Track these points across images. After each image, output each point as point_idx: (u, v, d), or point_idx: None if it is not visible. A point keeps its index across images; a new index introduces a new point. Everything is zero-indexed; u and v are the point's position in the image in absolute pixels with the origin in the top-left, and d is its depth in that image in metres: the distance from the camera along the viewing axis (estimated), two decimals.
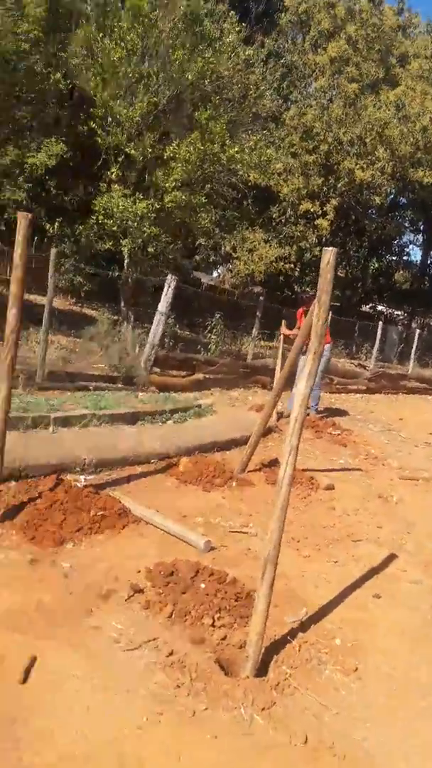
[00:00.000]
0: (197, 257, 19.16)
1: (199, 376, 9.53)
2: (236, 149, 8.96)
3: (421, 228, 22.27)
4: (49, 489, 3.94)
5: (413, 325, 24.73)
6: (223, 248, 18.13)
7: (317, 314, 2.47)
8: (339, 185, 16.32)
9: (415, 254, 49.60)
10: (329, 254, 2.43)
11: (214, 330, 10.26)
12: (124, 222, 9.34)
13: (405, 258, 25.61)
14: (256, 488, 4.85)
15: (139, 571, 3.24)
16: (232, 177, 9.94)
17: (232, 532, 3.94)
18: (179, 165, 8.68)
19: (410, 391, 14.80)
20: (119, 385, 7.55)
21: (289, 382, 5.38)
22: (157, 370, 8.74)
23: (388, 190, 16.52)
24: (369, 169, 15.64)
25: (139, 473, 4.72)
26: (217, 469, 4.94)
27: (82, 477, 4.37)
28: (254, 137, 10.26)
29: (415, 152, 16.18)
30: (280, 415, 7.55)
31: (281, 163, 14.10)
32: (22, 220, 3.40)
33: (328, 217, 16.34)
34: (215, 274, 29.55)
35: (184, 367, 9.74)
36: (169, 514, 4.04)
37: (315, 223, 16.57)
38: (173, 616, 2.87)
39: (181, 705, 2.34)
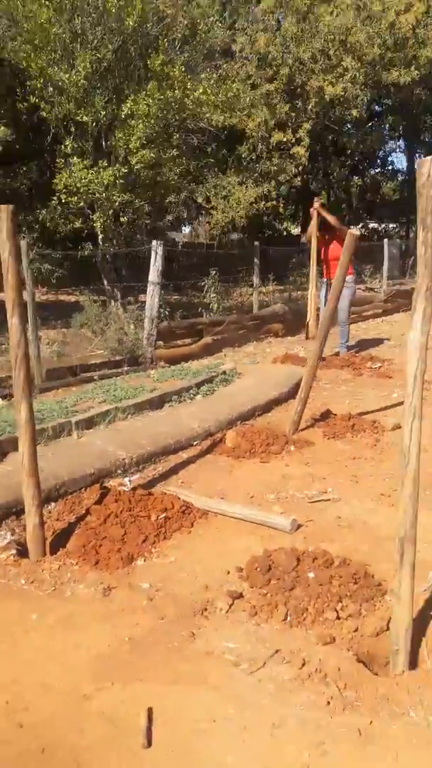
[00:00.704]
0: (169, 216, 18.34)
1: (207, 339, 9.00)
2: (201, 90, 8.17)
3: (401, 132, 21.19)
4: (96, 502, 3.48)
5: (411, 235, 23.88)
6: (195, 201, 17.32)
7: (423, 240, 1.92)
8: (309, 107, 15.34)
9: (400, 161, 47.84)
10: (428, 165, 1.86)
11: (213, 287, 9.65)
12: (91, 195, 8.65)
13: (390, 168, 24.57)
14: (317, 447, 4.37)
15: (228, 573, 2.79)
16: (199, 122, 9.16)
17: (312, 502, 3.48)
18: (140, 121, 7.94)
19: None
20: (125, 368, 7.05)
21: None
22: (161, 343, 8.22)
23: (364, 100, 15.51)
24: (339, 82, 14.63)
25: (185, 459, 4.25)
26: (268, 435, 4.46)
27: (126, 479, 3.90)
28: (213, 75, 9.41)
29: (385, 53, 15.14)
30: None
31: (248, 96, 13.17)
32: (3, 213, 2.78)
33: (303, 143, 15.41)
34: (185, 230, 28.58)
35: (190, 333, 9.20)
36: (234, 497, 3.58)
37: (291, 152, 15.66)
38: (288, 618, 2.42)
39: (341, 725, 1.91)
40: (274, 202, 17.34)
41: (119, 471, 3.97)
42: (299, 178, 16.39)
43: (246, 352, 8.66)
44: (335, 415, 4.95)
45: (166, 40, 8.22)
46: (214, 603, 2.57)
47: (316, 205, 7.32)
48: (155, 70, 7.84)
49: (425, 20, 17.82)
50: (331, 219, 7.23)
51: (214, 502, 3.44)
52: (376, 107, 19.87)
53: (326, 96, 14.91)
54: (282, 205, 17.46)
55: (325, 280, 7.54)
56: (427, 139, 24.23)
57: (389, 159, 24.88)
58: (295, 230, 32.63)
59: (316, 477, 3.84)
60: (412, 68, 16.66)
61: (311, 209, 7.38)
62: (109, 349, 7.73)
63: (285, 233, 28.42)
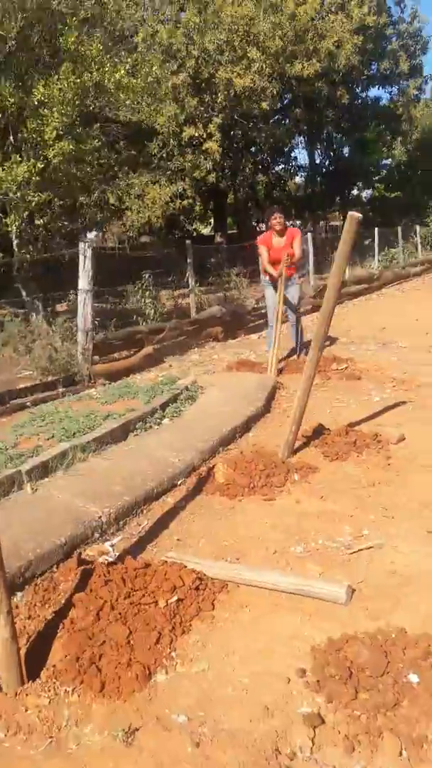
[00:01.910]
0: (83, 219, 17.21)
1: (149, 349, 8.17)
2: (122, 73, 7.28)
3: (305, 128, 21.10)
4: (77, 585, 2.63)
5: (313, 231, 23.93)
6: (107, 202, 16.28)
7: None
8: (219, 100, 14.74)
9: (303, 157, 48.26)
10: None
11: (147, 293, 8.81)
12: (3, 195, 7.58)
13: (293, 164, 24.49)
14: (323, 473, 3.70)
15: (290, 681, 2.05)
16: (118, 111, 8.28)
17: (352, 552, 2.79)
18: (55, 108, 6.96)
19: (354, 295, 14.06)
20: (61, 390, 6.15)
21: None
22: (96, 358, 7.34)
23: (273, 93, 15.10)
24: (247, 74, 14.12)
25: (173, 506, 3.46)
26: (264, 463, 3.75)
27: (108, 545, 3.06)
28: (128, 59, 8.54)
29: (287, 45, 14.79)
30: (280, 371, 6.40)
31: (170, 82, 12.35)
32: None
33: (214, 138, 14.81)
34: (90, 235, 27.42)
35: (127, 344, 8.33)
36: (252, 555, 2.84)
37: (203, 148, 15.01)
38: (404, 753, 1.72)
39: None
40: (191, 201, 16.69)
41: (96, 534, 3.12)
42: (213, 175, 15.75)
43: (192, 360, 7.92)
44: (328, 429, 4.32)
45: (75, 18, 7.28)
46: (289, 737, 1.83)
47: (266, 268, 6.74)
48: (68, 49, 6.89)
49: (322, 12, 17.80)
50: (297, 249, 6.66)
51: (233, 569, 2.68)
52: (282, 101, 19.63)
53: (235, 88, 14.40)
54: (200, 203, 16.79)
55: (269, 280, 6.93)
56: (326, 134, 24.44)
57: (292, 155, 24.78)
58: (205, 230, 32.16)
59: (339, 515, 3.17)
60: (314, 60, 16.52)
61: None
62: (38, 369, 6.74)
63: (195, 233, 27.88)
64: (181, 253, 11.42)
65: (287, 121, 20.22)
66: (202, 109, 15.05)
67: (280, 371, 6.39)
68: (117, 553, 2.97)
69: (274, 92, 15.24)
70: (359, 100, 21.96)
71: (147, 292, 8.80)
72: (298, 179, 27.24)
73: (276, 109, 18.61)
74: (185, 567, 2.71)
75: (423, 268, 18.65)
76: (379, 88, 22.72)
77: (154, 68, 8.47)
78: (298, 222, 28.42)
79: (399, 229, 18.92)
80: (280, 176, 25.34)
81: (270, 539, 2.98)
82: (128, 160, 15.88)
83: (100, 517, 3.17)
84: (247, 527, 3.13)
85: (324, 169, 26.83)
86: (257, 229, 29.58)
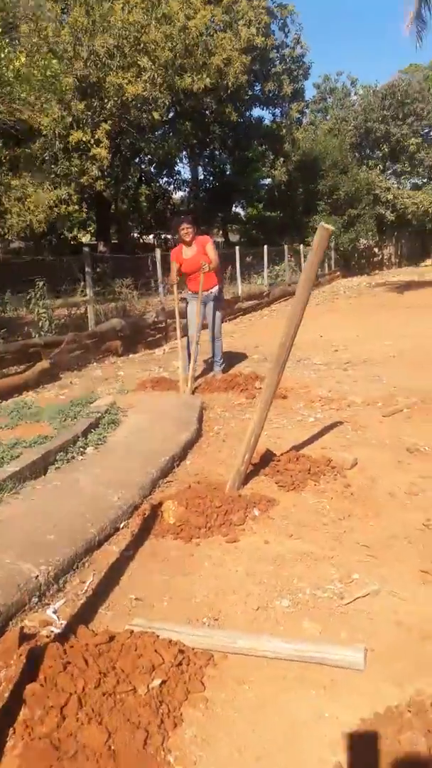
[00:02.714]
0: None
1: (44, 364, 7.46)
2: (21, 61, 6.53)
3: (194, 142, 21.03)
4: (23, 672, 2.05)
5: None
6: None
7: None
8: (108, 106, 14.15)
9: (186, 172, 48.52)
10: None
11: (41, 302, 8.03)
12: None
13: (176, 177, 24.42)
14: (284, 506, 3.35)
15: None
16: (12, 104, 7.48)
17: (348, 603, 2.45)
18: None
19: (245, 311, 14.06)
20: None
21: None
22: None
23: (165, 103, 14.77)
24: (138, 81, 13.68)
25: (120, 555, 2.92)
26: (215, 497, 3.33)
27: (50, 611, 2.48)
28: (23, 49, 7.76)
29: (176, 57, 14.58)
30: (195, 389, 6.01)
31: (71, 78, 11.51)
32: None
33: (103, 144, 14.18)
34: None
35: (19, 359, 7.54)
36: (232, 612, 2.42)
37: (91, 154, 14.32)
38: None
39: None
40: (76, 206, 15.90)
41: (34, 598, 2.51)
42: (101, 182, 15.10)
43: (94, 376, 7.31)
44: (276, 455, 3.99)
45: None
46: None
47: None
48: None
49: (211, 29, 17.92)
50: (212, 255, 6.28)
51: (223, 637, 2.23)
52: (169, 113, 19.45)
53: (127, 95, 13.93)
54: (85, 210, 16.08)
55: (189, 292, 6.55)
56: (210, 150, 24.69)
57: (176, 168, 24.72)
58: (84, 238, 31.13)
59: (318, 556, 2.82)
60: (204, 75, 16.53)
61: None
62: None
63: (73, 241, 26.85)
64: (60, 260, 10.71)
65: (173, 134, 20.05)
66: (90, 113, 14.40)
67: (194, 390, 6.01)
68: (64, 622, 2.40)
69: (166, 102, 14.97)
70: (244, 120, 22.38)
71: (40, 301, 8.02)
72: (180, 193, 27.26)
73: (164, 121, 18.35)
74: (159, 637, 2.21)
75: None
76: (263, 109, 23.38)
77: (53, 61, 7.76)
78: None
79: (285, 246, 19.38)
80: (164, 189, 25.16)
81: (248, 592, 2.56)
82: (8, 160, 14.85)
83: (36, 577, 2.57)
84: (217, 578, 2.69)
85: (207, 185, 27.09)
86: (140, 240, 29.15)
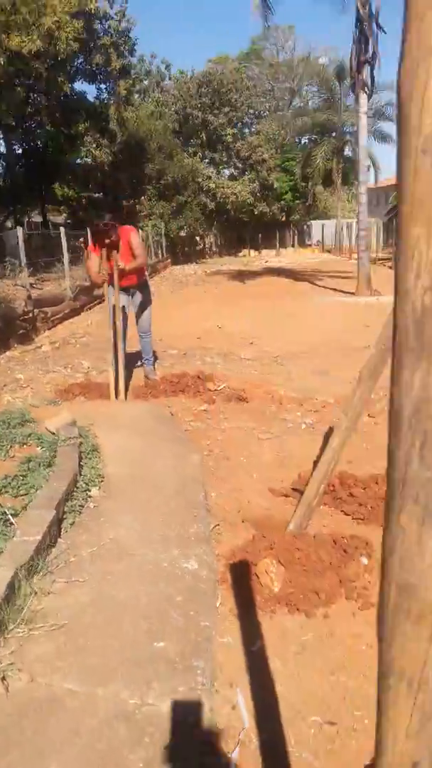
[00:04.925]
0: None
1: None
2: None
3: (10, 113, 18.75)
4: None
5: (8, 224, 21.79)
6: None
7: None
8: None
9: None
10: None
11: None
12: None
13: None
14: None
15: None
16: None
17: None
18: None
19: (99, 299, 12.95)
20: None
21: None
22: None
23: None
24: None
25: (245, 650, 2.10)
26: (323, 550, 2.61)
27: None
28: None
29: (3, 14, 12.76)
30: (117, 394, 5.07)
31: None
32: None
33: None
34: None
35: None
36: None
37: None
38: None
39: None
40: None
41: None
42: None
43: None
44: (342, 481, 3.35)
45: None
46: None
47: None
48: None
49: None
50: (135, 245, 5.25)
51: None
52: None
53: None
54: None
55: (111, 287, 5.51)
56: (30, 123, 22.51)
57: None
58: None
59: None
60: (35, 36, 14.82)
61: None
62: None
63: None
64: None
65: None
66: None
67: (116, 394, 5.09)
68: None
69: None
70: (71, 93, 20.69)
71: None
72: None
73: None
74: None
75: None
76: (90, 83, 21.81)
77: None
78: None
79: None
80: None
81: None
82: None
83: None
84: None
85: (25, 161, 24.73)
86: None
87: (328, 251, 34.03)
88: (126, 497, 3.02)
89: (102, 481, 3.16)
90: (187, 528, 2.71)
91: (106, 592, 2.25)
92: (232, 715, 1.86)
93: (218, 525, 2.93)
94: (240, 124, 34.78)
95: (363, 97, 13.58)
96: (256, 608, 2.33)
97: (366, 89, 13.49)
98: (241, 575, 2.48)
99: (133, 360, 5.96)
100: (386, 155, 55.99)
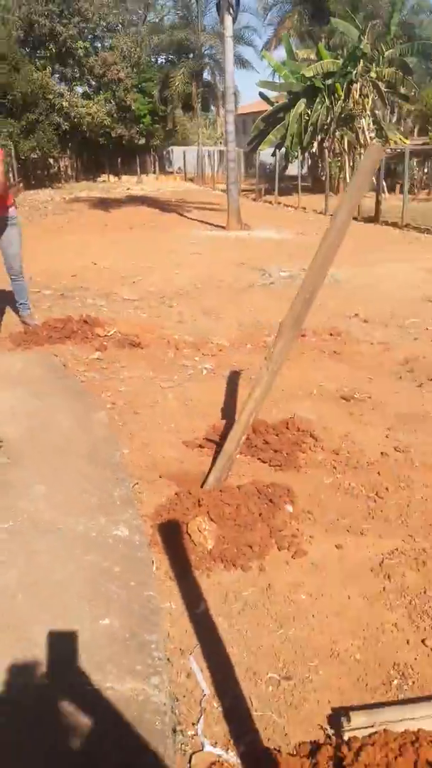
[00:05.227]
0: None
1: None
2: None
3: None
4: None
5: None
6: None
7: None
8: None
9: None
10: None
11: None
12: None
13: None
14: (303, 491, 2.80)
15: None
16: None
17: None
18: None
19: None
20: None
21: None
22: None
23: None
24: None
25: (189, 614, 2.08)
26: (251, 502, 2.61)
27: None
28: None
29: None
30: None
31: None
32: None
33: None
34: None
35: None
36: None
37: None
38: None
39: None
40: None
41: None
42: None
43: None
44: (219, 424, 3.34)
45: None
46: None
47: None
48: None
49: None
50: None
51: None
52: None
53: None
54: None
55: None
56: None
57: None
58: None
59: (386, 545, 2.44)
60: None
61: None
62: None
63: None
64: None
65: None
66: None
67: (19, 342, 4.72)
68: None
69: None
70: None
71: None
72: None
73: None
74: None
75: None
76: None
77: None
78: None
79: None
80: None
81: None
82: None
83: None
84: (338, 615, 2.11)
85: None
86: None
87: (191, 180, 33.39)
88: (34, 464, 2.80)
89: (1, 446, 2.90)
90: (111, 492, 2.58)
91: (35, 572, 2.09)
92: (188, 683, 1.84)
93: (137, 484, 2.83)
94: (92, 37, 32.20)
95: (228, 20, 13.07)
96: (192, 568, 2.30)
97: (231, 11, 12.98)
98: (172, 535, 2.43)
99: (2, 302, 5.48)
100: (245, 81, 55.16)
